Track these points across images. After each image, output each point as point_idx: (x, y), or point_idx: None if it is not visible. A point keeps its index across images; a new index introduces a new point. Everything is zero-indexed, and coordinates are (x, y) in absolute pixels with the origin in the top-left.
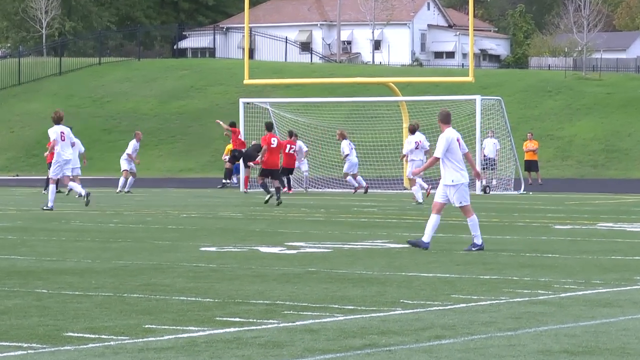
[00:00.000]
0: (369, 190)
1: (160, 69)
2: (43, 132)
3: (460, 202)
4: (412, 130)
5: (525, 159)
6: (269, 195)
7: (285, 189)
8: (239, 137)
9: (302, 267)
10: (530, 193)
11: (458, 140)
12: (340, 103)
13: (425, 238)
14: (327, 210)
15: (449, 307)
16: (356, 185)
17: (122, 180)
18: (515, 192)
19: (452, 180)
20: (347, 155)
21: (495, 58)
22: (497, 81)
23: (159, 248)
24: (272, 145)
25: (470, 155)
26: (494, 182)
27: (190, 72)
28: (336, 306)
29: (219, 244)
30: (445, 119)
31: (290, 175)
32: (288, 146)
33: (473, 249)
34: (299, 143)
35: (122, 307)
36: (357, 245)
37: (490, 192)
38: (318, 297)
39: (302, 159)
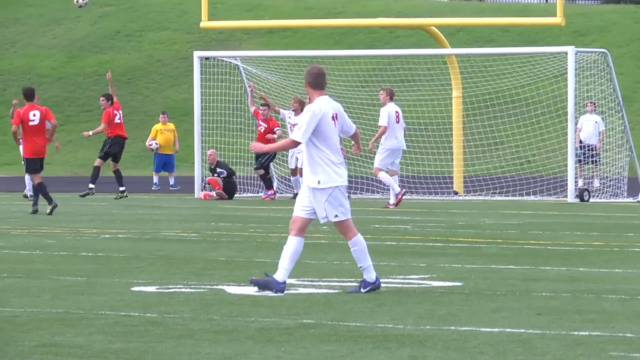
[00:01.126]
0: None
1: (68, 5)
2: None
3: (336, 216)
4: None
5: None
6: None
7: (266, 192)
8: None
9: (293, 317)
10: None
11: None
12: (353, 58)
13: (280, 276)
14: (331, 227)
15: None
16: (397, 189)
17: (28, 178)
18: (630, 200)
19: (319, 182)
20: (382, 132)
21: None
22: (601, 24)
23: (66, 287)
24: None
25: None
26: (596, 183)
27: (117, 10)
28: None
29: (161, 281)
30: (316, 82)
31: (272, 171)
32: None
33: (362, 290)
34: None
35: None
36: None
37: (590, 199)
38: None
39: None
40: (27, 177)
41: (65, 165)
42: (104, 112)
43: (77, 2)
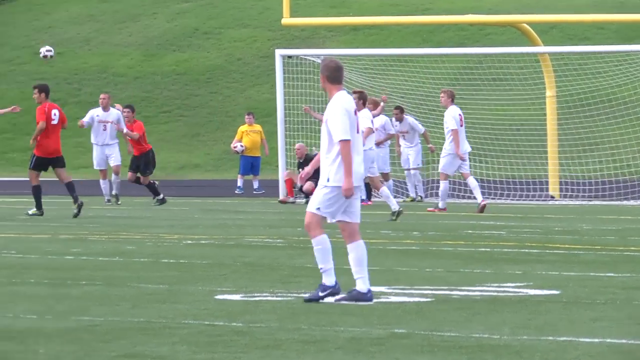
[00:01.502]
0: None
1: (144, 1)
2: None
3: (318, 209)
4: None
5: None
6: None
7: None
8: None
9: (384, 326)
10: None
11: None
12: (442, 57)
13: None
14: (423, 233)
15: None
16: (394, 206)
17: (103, 182)
18: None
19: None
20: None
21: None
22: None
23: (148, 295)
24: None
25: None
26: None
27: (195, 6)
28: None
29: (246, 289)
30: (335, 76)
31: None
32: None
33: (321, 292)
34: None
35: None
36: (473, 291)
37: None
38: None
39: (413, 145)
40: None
41: None
42: (138, 124)
43: (43, 52)
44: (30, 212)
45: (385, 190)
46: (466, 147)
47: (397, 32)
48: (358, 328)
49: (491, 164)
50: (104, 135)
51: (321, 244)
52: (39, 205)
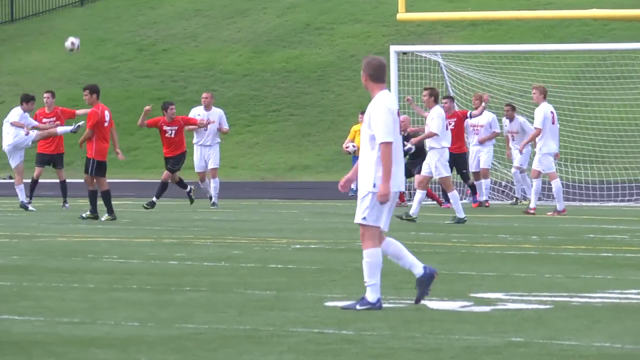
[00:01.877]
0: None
1: None
2: (56, 101)
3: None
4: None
5: None
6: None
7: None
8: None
9: (501, 335)
10: None
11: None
12: (564, 53)
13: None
14: (542, 237)
15: None
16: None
17: (203, 185)
18: None
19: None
20: (536, 135)
21: None
22: None
23: (255, 302)
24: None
25: None
26: None
27: (306, 1)
28: None
29: (357, 296)
30: (377, 74)
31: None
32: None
33: (359, 306)
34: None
35: None
36: (594, 298)
37: None
38: None
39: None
40: (201, 184)
41: (252, 170)
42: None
43: (69, 45)
44: (83, 215)
45: (455, 194)
46: (554, 147)
47: (517, 27)
48: (473, 336)
49: (615, 164)
50: (205, 136)
51: (370, 257)
52: (94, 210)
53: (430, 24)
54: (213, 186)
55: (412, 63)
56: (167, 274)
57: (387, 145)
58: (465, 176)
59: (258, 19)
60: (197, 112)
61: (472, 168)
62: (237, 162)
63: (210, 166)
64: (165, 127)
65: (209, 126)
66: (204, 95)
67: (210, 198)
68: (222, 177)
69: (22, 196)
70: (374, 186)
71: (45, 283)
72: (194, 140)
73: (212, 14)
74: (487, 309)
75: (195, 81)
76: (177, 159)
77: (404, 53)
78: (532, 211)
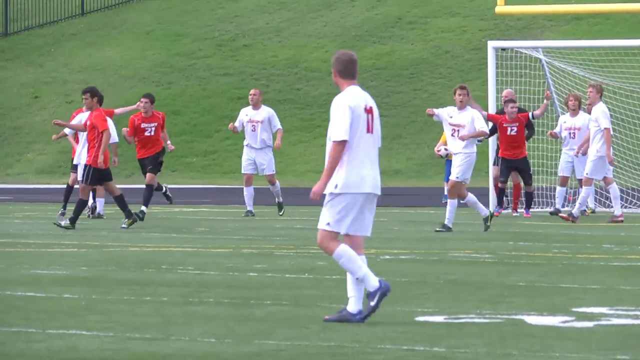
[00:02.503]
0: None
1: None
2: (126, 100)
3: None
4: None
5: None
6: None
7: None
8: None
9: (605, 352)
10: None
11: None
12: None
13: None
14: None
15: None
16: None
17: (247, 190)
18: None
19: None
20: (609, 135)
21: None
22: None
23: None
24: None
25: None
26: None
27: None
28: None
29: (450, 310)
30: (347, 70)
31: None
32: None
33: (372, 302)
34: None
35: None
36: None
37: None
38: None
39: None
40: (245, 189)
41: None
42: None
43: None
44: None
45: (472, 197)
46: (610, 149)
47: (625, 21)
48: (575, 354)
49: None
50: (253, 137)
51: (343, 254)
52: (129, 213)
53: (531, 17)
54: (275, 190)
55: (512, 60)
56: (246, 286)
57: (338, 144)
58: (528, 182)
59: (346, 13)
60: (245, 113)
61: (563, 172)
62: (322, 167)
63: (266, 173)
64: (143, 125)
65: (256, 126)
66: (251, 92)
67: (279, 205)
68: (307, 183)
69: (100, 207)
70: (336, 187)
71: (115, 296)
72: (245, 142)
73: (296, 7)
74: (590, 324)
75: (278, 79)
76: (154, 158)
77: (503, 49)
78: (619, 219)
